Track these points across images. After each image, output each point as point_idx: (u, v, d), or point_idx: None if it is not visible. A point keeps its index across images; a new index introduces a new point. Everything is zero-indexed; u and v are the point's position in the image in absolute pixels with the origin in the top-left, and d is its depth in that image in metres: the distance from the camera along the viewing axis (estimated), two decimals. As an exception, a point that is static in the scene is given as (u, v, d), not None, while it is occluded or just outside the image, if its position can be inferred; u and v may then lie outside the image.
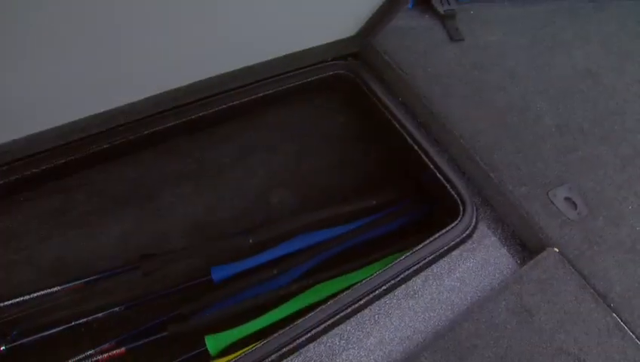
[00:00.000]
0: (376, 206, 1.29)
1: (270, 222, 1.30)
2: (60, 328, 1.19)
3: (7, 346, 1.16)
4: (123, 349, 1.10)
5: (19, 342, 1.17)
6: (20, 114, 1.03)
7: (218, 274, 1.24)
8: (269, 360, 0.91)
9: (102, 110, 1.11)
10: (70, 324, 1.19)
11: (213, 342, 1.13)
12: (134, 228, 1.29)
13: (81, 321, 1.20)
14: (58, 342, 1.23)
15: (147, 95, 1.15)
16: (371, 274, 1.01)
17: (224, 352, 1.16)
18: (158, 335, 1.11)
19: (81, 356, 1.12)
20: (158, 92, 1.16)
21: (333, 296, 0.99)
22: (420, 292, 1.02)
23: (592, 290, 1.02)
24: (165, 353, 1.17)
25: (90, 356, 1.11)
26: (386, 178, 1.38)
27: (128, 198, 1.26)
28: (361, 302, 0.98)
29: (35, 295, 1.15)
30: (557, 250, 1.06)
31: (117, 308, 1.21)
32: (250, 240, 1.19)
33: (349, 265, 1.22)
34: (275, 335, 0.92)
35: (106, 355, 1.09)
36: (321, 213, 1.28)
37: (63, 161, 1.14)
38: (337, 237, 1.26)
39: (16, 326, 1.22)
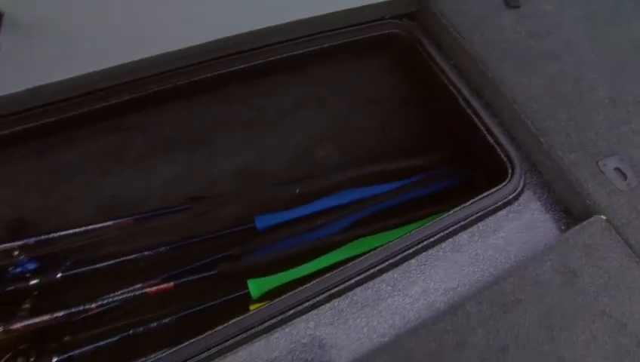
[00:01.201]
0: (420, 167, 1.31)
1: (316, 175, 1.33)
2: (111, 261, 1.25)
3: (62, 274, 1.22)
4: (172, 284, 1.15)
5: (72, 272, 1.23)
6: (87, 50, 1.06)
7: (262, 222, 1.28)
8: (317, 299, 0.95)
9: (165, 51, 1.14)
10: (120, 259, 1.25)
11: (256, 286, 1.18)
12: (185, 172, 1.33)
13: (130, 257, 1.26)
14: (108, 274, 1.29)
15: (208, 39, 1.18)
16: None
17: (265, 296, 1.21)
18: (207, 274, 1.16)
19: (130, 288, 1.18)
20: (219, 37, 1.18)
21: (374, 250, 1.03)
22: (465, 248, 1.05)
23: (637, 259, 1.03)
24: (209, 292, 1.22)
25: (140, 288, 1.16)
26: (431, 140, 1.40)
27: (182, 142, 1.30)
28: (409, 251, 1.00)
29: (90, 228, 1.20)
30: (604, 218, 1.07)
31: (165, 247, 1.27)
32: (298, 190, 1.22)
33: (390, 221, 1.25)
34: (325, 276, 0.96)
35: (154, 288, 1.14)
36: (366, 169, 1.31)
37: (123, 100, 1.17)
38: (380, 195, 1.28)
39: (70, 256, 1.28)
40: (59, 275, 1.23)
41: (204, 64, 1.20)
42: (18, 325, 1.10)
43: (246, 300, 1.21)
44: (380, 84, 1.39)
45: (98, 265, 1.25)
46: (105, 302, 1.13)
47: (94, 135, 1.24)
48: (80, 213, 1.31)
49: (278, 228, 1.26)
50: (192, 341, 0.89)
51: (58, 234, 1.19)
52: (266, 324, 0.90)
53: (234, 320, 0.91)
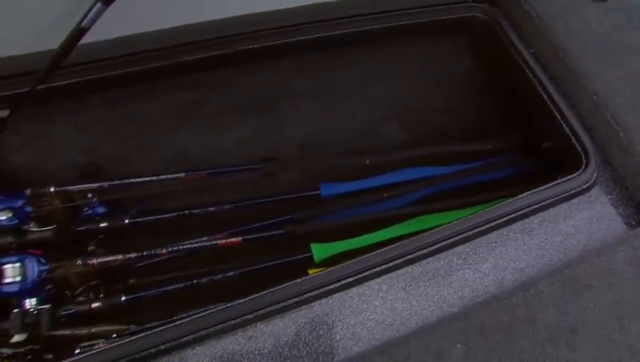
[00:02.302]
0: (486, 151, 1.32)
1: (379, 151, 1.35)
2: (176, 213, 1.29)
3: (130, 221, 1.27)
4: (240, 239, 1.18)
5: (139, 220, 1.27)
6: (179, 2, 1.09)
7: (327, 190, 1.30)
8: (388, 266, 0.97)
9: (251, 12, 1.16)
10: (185, 212, 1.28)
11: (319, 250, 1.21)
12: (254, 134, 1.36)
13: (195, 211, 1.30)
14: (173, 225, 1.33)
15: (295, 5, 1.20)
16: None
17: (324, 263, 1.23)
18: (274, 232, 1.19)
19: (198, 239, 1.21)
20: (304, 3, 1.20)
21: (448, 224, 1.04)
22: (535, 231, 1.05)
23: None
24: (273, 251, 1.26)
25: (208, 240, 1.20)
26: (499, 127, 1.40)
27: (254, 105, 1.32)
28: (482, 228, 1.01)
29: (163, 177, 1.24)
30: (679, 217, 1.07)
31: (229, 205, 1.30)
32: (368, 161, 1.24)
33: (451, 202, 1.26)
34: (400, 243, 0.98)
35: (224, 241, 1.18)
36: (432, 149, 1.32)
37: (205, 56, 1.20)
38: (445, 175, 1.30)
39: (137, 204, 1.32)
40: (126, 221, 1.28)
41: (288, 28, 1.22)
42: (95, 261, 1.14)
43: (306, 264, 1.24)
44: (451, 67, 1.39)
45: (164, 216, 1.29)
46: (175, 249, 1.17)
47: (173, 89, 1.26)
48: (149, 165, 1.35)
49: (341, 198, 1.29)
50: (260, 294, 0.92)
51: (130, 181, 1.23)
52: (342, 282, 0.93)
53: (307, 276, 0.93)
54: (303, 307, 0.92)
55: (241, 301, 0.90)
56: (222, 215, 1.33)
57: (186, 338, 0.87)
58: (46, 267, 1.13)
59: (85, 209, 1.25)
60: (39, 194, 1.21)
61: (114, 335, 1.13)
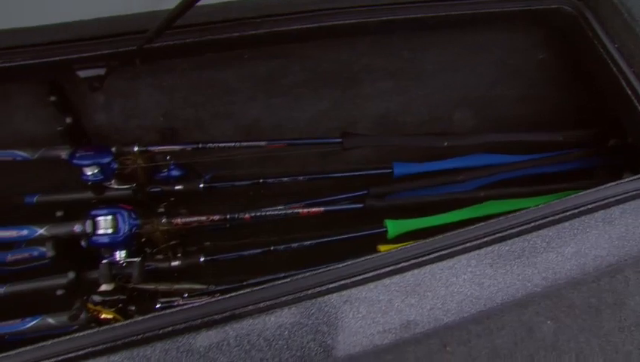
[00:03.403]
0: (558, 143, 1.34)
1: (454, 134, 1.37)
2: (249, 182, 1.32)
3: (204, 185, 1.30)
4: (322, 209, 1.21)
5: (214, 184, 1.30)
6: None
7: (400, 168, 1.33)
8: (477, 243, 0.99)
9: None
10: (263, 180, 1.31)
11: (394, 226, 1.23)
12: (330, 109, 1.38)
13: (269, 180, 1.32)
14: (245, 193, 1.37)
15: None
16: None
17: (396, 240, 1.26)
18: (353, 206, 1.22)
19: (280, 207, 1.24)
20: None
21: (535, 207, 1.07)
22: (616, 222, 1.07)
23: None
24: (348, 225, 1.29)
25: (289, 208, 1.23)
26: (574, 119, 1.42)
27: (333, 80, 1.34)
28: (566, 213, 1.04)
29: (245, 144, 1.26)
30: None
31: (303, 177, 1.33)
32: (446, 143, 1.26)
33: (524, 188, 1.29)
34: (488, 222, 1.00)
35: (305, 211, 1.21)
36: (504, 137, 1.35)
37: (294, 28, 1.22)
38: (518, 163, 1.33)
39: (210, 170, 1.35)
40: (201, 186, 1.31)
41: (375, 7, 1.24)
42: (179, 220, 1.17)
43: (377, 239, 1.27)
44: (526, 57, 1.41)
45: (239, 183, 1.32)
46: (258, 214, 1.20)
47: (256, 58, 1.29)
48: (225, 132, 1.38)
49: (414, 177, 1.31)
50: (356, 261, 0.95)
51: (213, 145, 1.26)
52: (434, 255, 0.96)
53: (403, 246, 0.96)
54: (397, 276, 0.96)
55: (339, 266, 0.93)
56: (293, 186, 1.36)
57: (284, 298, 0.90)
58: (137, 222, 1.16)
59: (165, 170, 1.28)
60: (124, 152, 1.25)
61: (193, 294, 1.16)
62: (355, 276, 0.93)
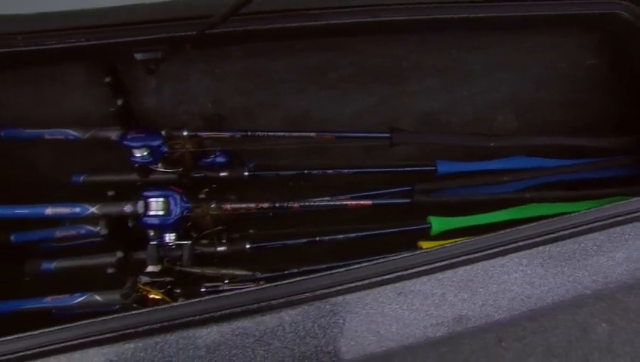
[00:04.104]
0: (604, 149, 1.34)
1: (497, 135, 1.38)
2: (297, 172, 1.33)
3: (249, 173, 1.31)
4: (370, 202, 1.22)
5: (258, 173, 1.31)
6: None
7: (444, 167, 1.33)
8: (529, 242, 1.00)
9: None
10: (308, 171, 1.32)
11: (438, 223, 1.24)
12: (375, 104, 1.39)
13: (314, 172, 1.33)
14: (288, 183, 1.37)
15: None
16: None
17: (437, 237, 1.27)
18: (401, 200, 1.23)
19: (327, 197, 1.25)
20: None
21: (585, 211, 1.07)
22: (668, 229, 1.08)
23: None
24: (387, 220, 1.29)
25: (337, 199, 1.24)
26: (613, 126, 1.42)
27: (381, 75, 1.35)
28: (618, 218, 1.04)
29: (295, 135, 1.27)
30: None
31: (348, 170, 1.34)
32: (492, 144, 1.27)
33: (573, 192, 1.29)
34: (539, 223, 1.01)
35: (354, 203, 1.22)
36: (549, 140, 1.35)
37: (345, 22, 1.22)
38: (562, 167, 1.33)
39: (254, 159, 1.36)
40: (245, 174, 1.32)
41: (425, 5, 1.24)
42: (228, 206, 1.19)
43: (418, 236, 1.28)
44: (578, 62, 1.40)
45: (284, 172, 1.33)
46: (306, 204, 1.21)
47: (307, 50, 1.29)
48: (271, 121, 1.39)
49: (458, 176, 1.32)
50: (410, 254, 0.95)
51: (263, 133, 1.27)
52: (487, 252, 0.96)
53: (457, 241, 0.97)
54: (449, 271, 0.96)
55: (394, 257, 0.94)
56: (335, 179, 1.37)
57: (339, 287, 0.91)
58: (188, 205, 1.18)
59: (212, 156, 1.30)
60: (173, 136, 1.26)
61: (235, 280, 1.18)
62: (409, 269, 0.94)
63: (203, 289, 1.15)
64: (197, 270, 1.13)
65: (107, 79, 1.23)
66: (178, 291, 1.13)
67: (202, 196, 1.33)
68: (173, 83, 1.31)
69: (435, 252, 0.96)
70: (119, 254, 1.16)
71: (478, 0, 1.26)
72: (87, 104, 1.32)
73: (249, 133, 1.25)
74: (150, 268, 1.13)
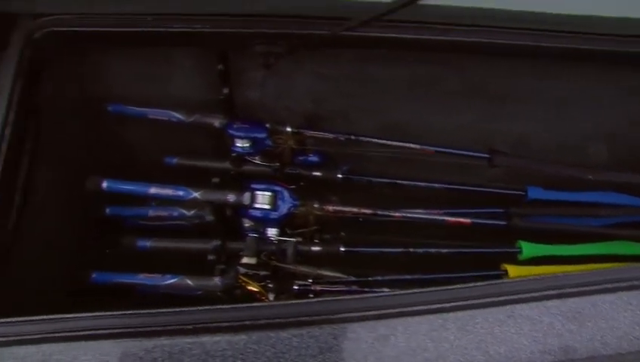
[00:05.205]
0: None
1: (588, 167, 1.37)
2: (390, 180, 1.33)
3: (343, 176, 1.32)
4: (469, 221, 1.22)
5: (353, 177, 1.32)
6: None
7: (535, 193, 1.33)
8: (636, 283, 1.00)
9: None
10: (399, 181, 1.33)
11: (528, 248, 1.24)
12: (472, 122, 1.40)
13: (406, 182, 1.34)
14: (380, 191, 1.38)
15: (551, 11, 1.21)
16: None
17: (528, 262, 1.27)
18: (497, 222, 1.23)
19: (419, 210, 1.26)
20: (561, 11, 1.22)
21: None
22: None
23: None
24: (479, 239, 1.30)
25: (435, 213, 1.24)
26: None
27: (483, 94, 1.35)
28: None
29: (397, 144, 1.28)
30: None
31: (440, 185, 1.34)
32: (590, 177, 1.26)
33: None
34: (614, 268, 1.00)
35: (453, 219, 1.22)
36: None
37: (464, 40, 1.22)
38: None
39: (346, 163, 1.37)
40: (339, 176, 1.33)
41: (538, 32, 1.24)
42: (331, 208, 1.20)
43: (502, 258, 1.28)
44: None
45: (375, 179, 1.34)
46: (407, 214, 1.22)
47: (414, 62, 1.30)
48: (367, 127, 1.40)
49: (550, 204, 1.32)
50: (517, 281, 0.96)
51: (360, 138, 1.28)
52: (597, 287, 0.96)
53: (566, 272, 0.97)
54: (557, 300, 0.97)
55: (502, 282, 0.95)
56: (423, 192, 1.37)
57: (448, 304, 0.92)
58: (296, 203, 1.19)
59: (310, 155, 1.31)
60: (277, 131, 1.28)
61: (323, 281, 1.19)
62: (520, 293, 0.94)
63: (295, 288, 1.16)
64: (296, 268, 1.14)
65: (220, 66, 1.25)
66: (271, 286, 1.15)
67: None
68: (278, 78, 1.33)
69: (545, 280, 0.96)
70: (216, 242, 1.18)
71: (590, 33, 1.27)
72: (192, 89, 1.35)
73: (352, 137, 1.26)
74: (246, 260, 1.14)
